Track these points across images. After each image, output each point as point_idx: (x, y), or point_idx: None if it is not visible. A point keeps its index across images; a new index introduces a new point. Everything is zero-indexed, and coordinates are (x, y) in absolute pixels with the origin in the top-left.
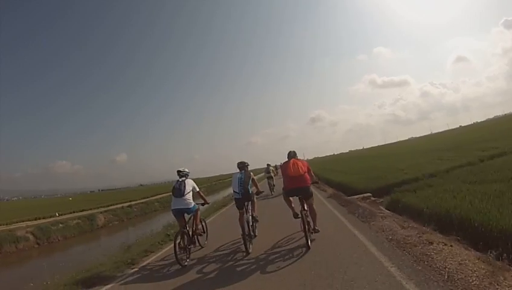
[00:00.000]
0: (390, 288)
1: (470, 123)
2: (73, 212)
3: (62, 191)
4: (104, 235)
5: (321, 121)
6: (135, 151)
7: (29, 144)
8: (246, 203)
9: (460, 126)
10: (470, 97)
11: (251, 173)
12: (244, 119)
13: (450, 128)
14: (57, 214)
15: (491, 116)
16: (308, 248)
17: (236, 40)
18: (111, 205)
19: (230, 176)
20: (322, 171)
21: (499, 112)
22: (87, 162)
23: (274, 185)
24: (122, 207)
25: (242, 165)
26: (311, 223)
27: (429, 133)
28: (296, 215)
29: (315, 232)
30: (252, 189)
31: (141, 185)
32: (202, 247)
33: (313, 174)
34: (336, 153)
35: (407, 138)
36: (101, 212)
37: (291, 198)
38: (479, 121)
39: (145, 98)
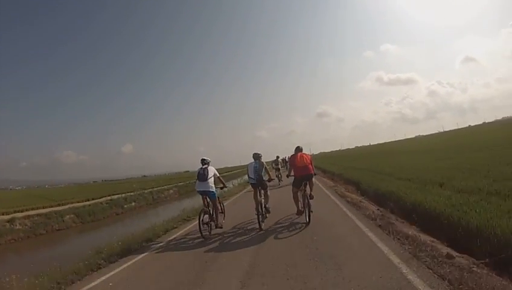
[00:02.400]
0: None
1: (479, 123)
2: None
3: (66, 181)
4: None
5: (328, 116)
6: (140, 143)
7: (35, 134)
8: (259, 188)
9: (469, 126)
10: (478, 98)
11: (264, 163)
12: (249, 113)
13: (459, 127)
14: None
15: (500, 118)
16: (308, 223)
17: (240, 36)
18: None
19: (237, 168)
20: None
21: (509, 113)
22: (93, 153)
23: (281, 176)
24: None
25: (257, 156)
26: (310, 204)
27: (438, 131)
28: (300, 213)
29: (311, 199)
30: (265, 176)
31: (144, 176)
32: (221, 227)
33: (313, 166)
34: (341, 149)
35: (414, 136)
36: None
37: (299, 194)
38: (487, 121)
39: (144, 92)
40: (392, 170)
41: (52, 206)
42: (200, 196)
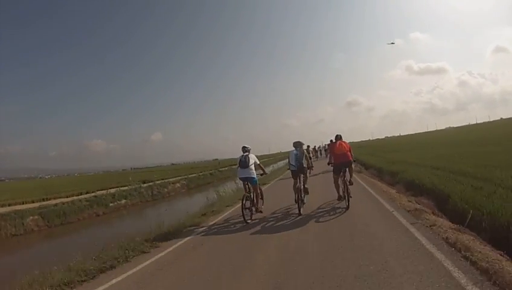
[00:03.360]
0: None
1: (510, 116)
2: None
3: (96, 169)
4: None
5: (358, 105)
6: (169, 131)
7: (65, 123)
8: (300, 175)
9: (501, 118)
10: (509, 90)
11: (304, 151)
12: (277, 101)
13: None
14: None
15: None
16: (348, 208)
17: (265, 25)
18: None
19: (266, 156)
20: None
21: None
22: (122, 141)
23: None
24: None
25: (298, 144)
26: (349, 190)
27: (469, 123)
28: (340, 198)
29: (350, 184)
30: (305, 163)
31: (173, 164)
32: (261, 211)
33: (352, 153)
34: (371, 139)
35: (444, 128)
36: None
37: (339, 180)
38: None
39: (172, 80)
40: (476, 170)
41: (25, 203)
42: (241, 182)
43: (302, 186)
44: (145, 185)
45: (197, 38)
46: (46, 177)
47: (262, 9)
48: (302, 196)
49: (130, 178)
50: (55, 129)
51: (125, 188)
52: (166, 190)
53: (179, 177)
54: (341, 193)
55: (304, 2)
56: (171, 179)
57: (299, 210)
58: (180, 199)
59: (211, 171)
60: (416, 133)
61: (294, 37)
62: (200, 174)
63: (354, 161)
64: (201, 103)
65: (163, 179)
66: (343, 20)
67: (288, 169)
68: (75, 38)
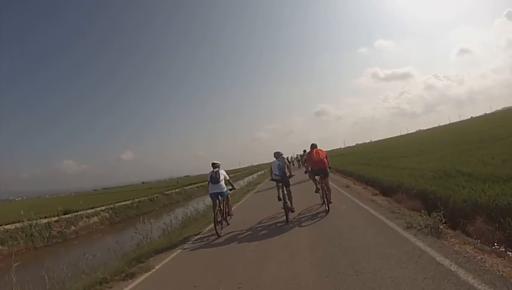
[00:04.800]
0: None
1: (480, 114)
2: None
3: (68, 191)
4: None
5: (326, 114)
6: (140, 150)
7: (35, 145)
8: (283, 183)
9: (471, 117)
10: (476, 90)
11: (285, 160)
12: (247, 115)
13: (461, 119)
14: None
15: (499, 108)
16: (327, 212)
17: (235, 39)
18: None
19: (240, 170)
20: None
21: (507, 104)
22: (93, 161)
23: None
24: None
25: (278, 154)
26: (328, 195)
27: (438, 125)
28: (317, 190)
29: (330, 204)
30: (288, 172)
31: (143, 182)
32: (229, 224)
33: (328, 160)
34: (341, 147)
35: (414, 131)
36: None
37: (317, 177)
38: (488, 112)
39: (142, 100)
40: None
41: None
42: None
43: (287, 195)
44: (65, 216)
45: (167, 57)
46: (17, 199)
47: (230, 26)
48: (289, 203)
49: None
50: (28, 151)
51: (18, 225)
52: (73, 228)
53: (104, 207)
54: (318, 186)
55: (270, 13)
56: (89, 211)
57: (287, 217)
58: (89, 243)
59: (153, 196)
60: (385, 138)
61: (263, 51)
62: (137, 200)
63: (330, 168)
64: (172, 121)
65: (93, 208)
66: (310, 29)
67: (271, 179)
68: (45, 62)
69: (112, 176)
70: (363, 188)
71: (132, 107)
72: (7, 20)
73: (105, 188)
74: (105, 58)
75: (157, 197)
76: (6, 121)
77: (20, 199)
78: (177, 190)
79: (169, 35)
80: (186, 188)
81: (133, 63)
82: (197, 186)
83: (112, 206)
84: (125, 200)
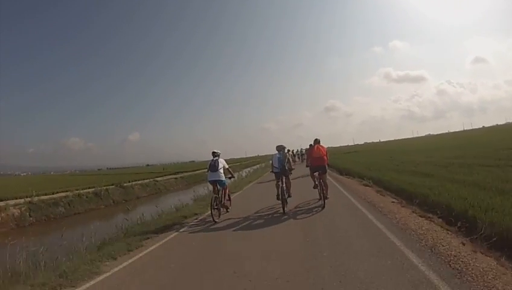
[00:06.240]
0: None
1: (492, 124)
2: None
3: (72, 168)
4: None
5: (336, 110)
6: (147, 132)
7: (43, 121)
8: (282, 176)
9: (483, 127)
10: (487, 99)
11: (287, 154)
12: (254, 105)
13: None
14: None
15: (511, 120)
16: (324, 207)
17: (247, 30)
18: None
19: (246, 159)
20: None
21: None
22: (100, 140)
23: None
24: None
25: (281, 148)
26: (325, 191)
27: (448, 131)
28: (315, 186)
29: (326, 199)
30: (287, 166)
31: (148, 165)
32: (228, 211)
33: (327, 158)
34: (350, 145)
35: (424, 135)
36: None
37: (315, 173)
38: (500, 123)
39: (153, 82)
40: None
41: None
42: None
43: (285, 187)
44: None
45: (178, 44)
46: (22, 174)
47: (244, 17)
48: (286, 195)
49: None
50: (35, 126)
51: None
52: None
53: (22, 200)
54: (316, 183)
55: (282, 11)
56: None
57: (283, 209)
58: None
59: (105, 187)
60: (395, 139)
61: (275, 43)
62: (76, 192)
63: (329, 165)
64: (181, 105)
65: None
66: (324, 26)
67: (271, 171)
68: (59, 38)
69: (117, 157)
70: None
71: (142, 90)
72: None
73: (110, 168)
74: (119, 39)
75: (107, 190)
76: (18, 94)
77: (25, 174)
78: (145, 181)
79: (184, 20)
80: (158, 179)
81: (147, 45)
82: (176, 178)
83: (30, 199)
84: (88, 188)
